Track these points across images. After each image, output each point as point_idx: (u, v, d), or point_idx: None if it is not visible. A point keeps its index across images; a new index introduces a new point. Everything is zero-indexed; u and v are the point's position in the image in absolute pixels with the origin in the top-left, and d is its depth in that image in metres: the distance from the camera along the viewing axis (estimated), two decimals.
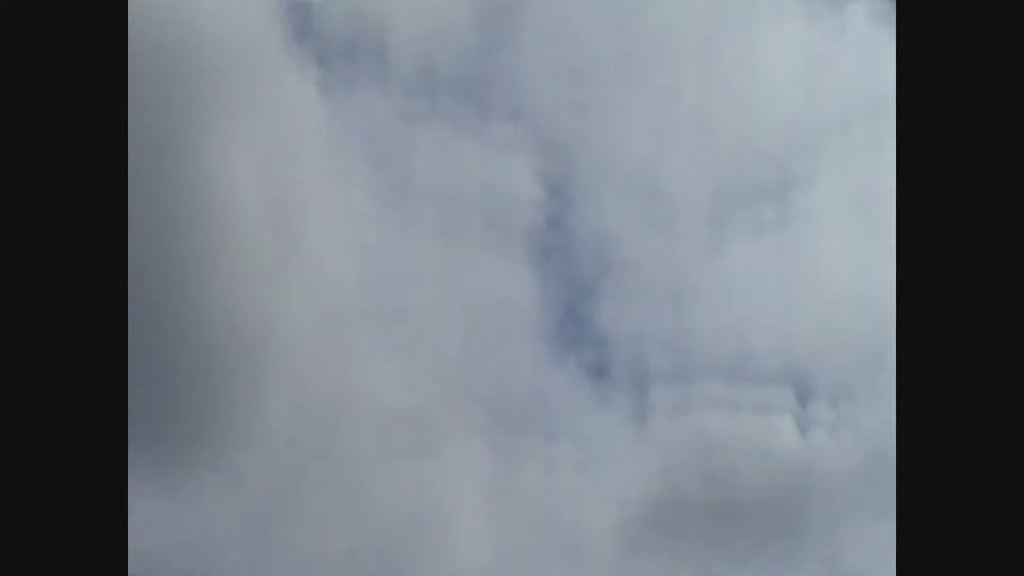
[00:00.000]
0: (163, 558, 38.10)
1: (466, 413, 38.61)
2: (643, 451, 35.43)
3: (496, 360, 37.45)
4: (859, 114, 36.18)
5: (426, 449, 37.88)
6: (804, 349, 35.88)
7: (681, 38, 38.47)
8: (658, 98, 38.14)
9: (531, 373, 37.34)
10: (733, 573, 33.68)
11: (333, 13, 36.15)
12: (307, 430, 38.44)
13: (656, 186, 37.55)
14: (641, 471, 35.04)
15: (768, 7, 37.89)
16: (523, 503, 35.53)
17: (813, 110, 37.73)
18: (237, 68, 33.74)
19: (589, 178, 37.50)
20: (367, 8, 36.69)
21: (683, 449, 34.72)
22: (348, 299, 36.10)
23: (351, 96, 36.44)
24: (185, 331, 33.77)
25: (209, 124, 33.35)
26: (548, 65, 37.57)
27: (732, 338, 36.23)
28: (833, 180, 36.56)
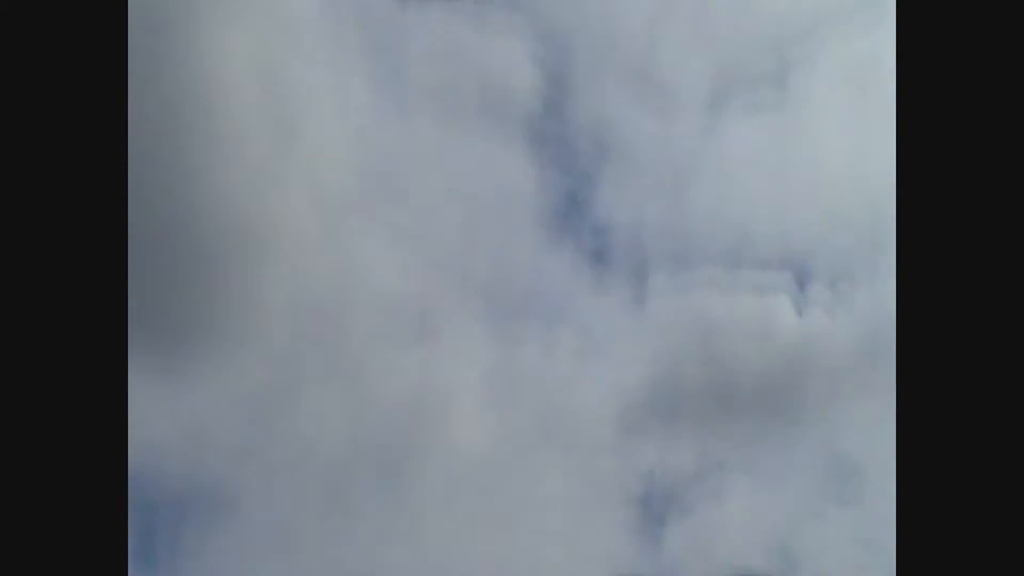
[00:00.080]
0: (163, 447, 38.37)
1: (464, 300, 38.61)
2: (642, 335, 35.54)
3: (494, 247, 37.43)
4: None
5: (425, 336, 37.94)
6: (803, 233, 35.87)
7: None
8: None
9: (529, 259, 37.37)
10: (732, 454, 33.94)
11: None
12: (305, 319, 38.49)
13: (654, 71, 37.28)
14: (640, 355, 35.18)
15: None
16: (522, 388, 35.66)
17: None
18: None
19: (587, 64, 37.21)
20: None
21: (681, 333, 34.84)
22: (345, 187, 36.02)
23: None
24: (182, 221, 33.75)
25: (204, 15, 33.08)
26: None
27: (731, 223, 36.22)
28: (832, 63, 36.32)
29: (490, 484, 36.21)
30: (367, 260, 36.10)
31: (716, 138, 37.00)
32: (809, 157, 36.74)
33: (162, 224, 33.51)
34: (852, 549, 31.92)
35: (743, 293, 35.09)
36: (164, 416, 39.44)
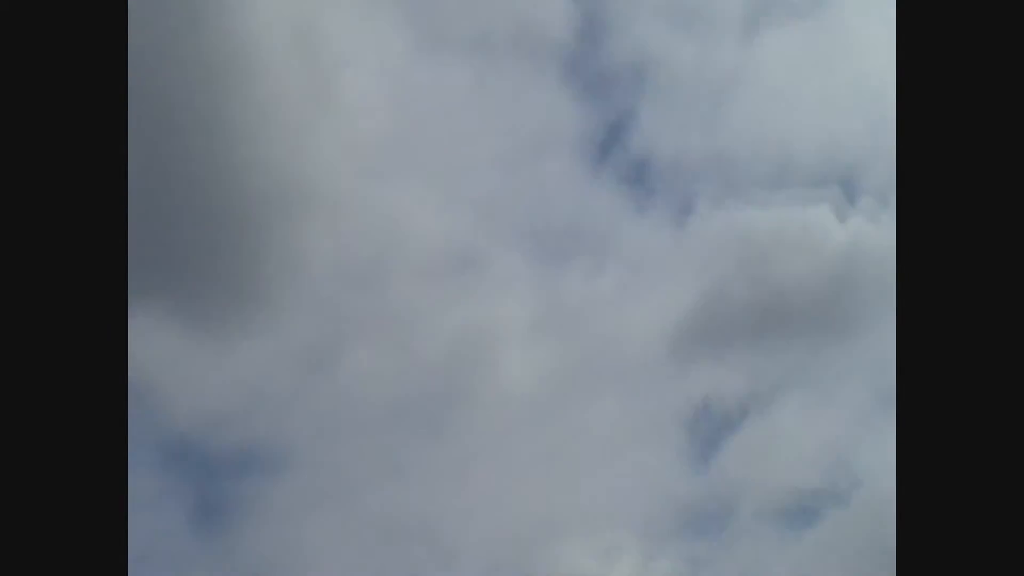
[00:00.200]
0: (216, 407, 38.77)
1: (507, 239, 38.63)
2: (687, 260, 35.38)
3: (535, 183, 37.38)
4: None
5: (469, 278, 38.03)
6: (849, 144, 35.50)
7: None
8: None
9: (571, 193, 37.25)
10: (785, 373, 33.81)
11: None
12: (349, 271, 38.64)
13: None
14: (686, 280, 35.03)
15: None
16: (569, 322, 35.68)
17: None
18: None
19: None
20: None
21: (727, 255, 34.61)
22: (383, 136, 36.03)
23: None
24: (224, 185, 33.97)
25: None
26: None
27: (774, 141, 35.93)
28: None
29: (540, 420, 36.29)
30: (408, 207, 36.16)
31: (755, 55, 36.65)
32: (850, 66, 36.40)
33: (204, 189, 33.72)
34: None
35: (788, 210, 34.72)
36: (216, 377, 39.74)
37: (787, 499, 32.08)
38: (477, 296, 37.43)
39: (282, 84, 33.76)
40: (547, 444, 35.36)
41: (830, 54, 37.21)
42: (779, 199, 34.84)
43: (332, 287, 36.87)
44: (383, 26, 35.81)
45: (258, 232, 34.22)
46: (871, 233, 33.72)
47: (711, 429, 33.54)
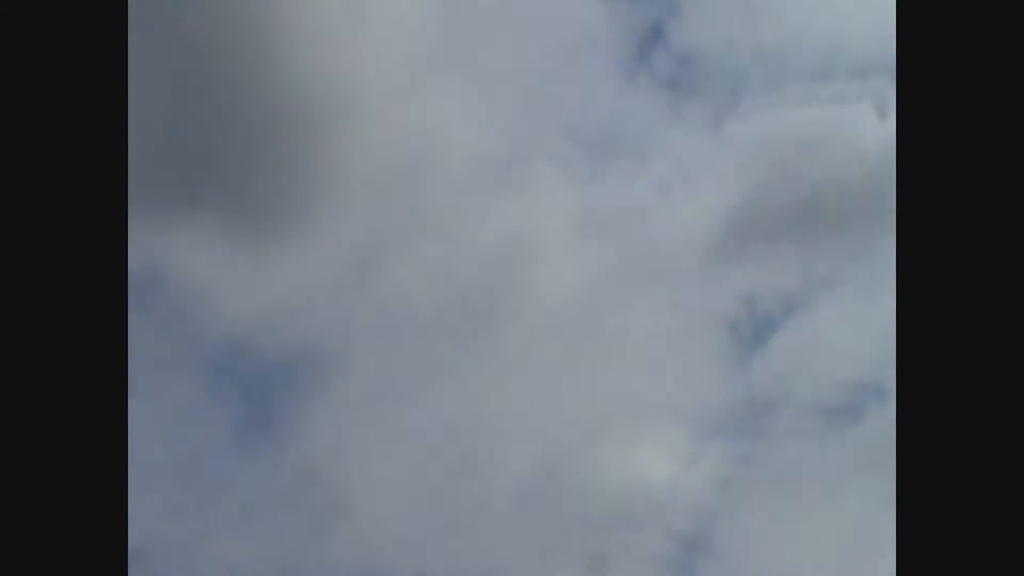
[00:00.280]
0: (264, 318, 39.26)
1: (547, 144, 38.51)
2: (728, 161, 35.18)
3: (575, 88, 37.12)
4: None
5: (509, 185, 37.97)
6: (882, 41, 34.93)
7: None
8: None
9: (610, 97, 37.03)
10: (828, 270, 33.64)
11: None
12: (391, 180, 38.69)
13: None
14: (727, 181, 34.86)
15: None
16: (612, 226, 35.60)
17: None
18: None
19: None
20: None
21: (767, 154, 34.41)
22: (419, 46, 35.92)
23: None
24: (264, 100, 34.20)
25: None
26: None
27: (820, 33, 35.40)
28: None
29: (582, 324, 36.41)
30: (447, 116, 36.07)
31: None
32: None
33: (245, 101, 33.85)
34: None
35: (829, 108, 34.28)
36: (263, 289, 40.21)
37: (831, 398, 32.14)
38: (516, 202, 37.44)
39: None
40: (590, 348, 35.51)
41: None
42: (823, 95, 34.38)
43: (372, 196, 37.02)
44: None
45: (299, 143, 34.36)
46: None
47: (754, 330, 33.57)
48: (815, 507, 31.20)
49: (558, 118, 36.71)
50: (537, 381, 35.25)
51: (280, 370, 39.25)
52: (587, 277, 35.53)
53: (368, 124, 35.19)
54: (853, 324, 33.32)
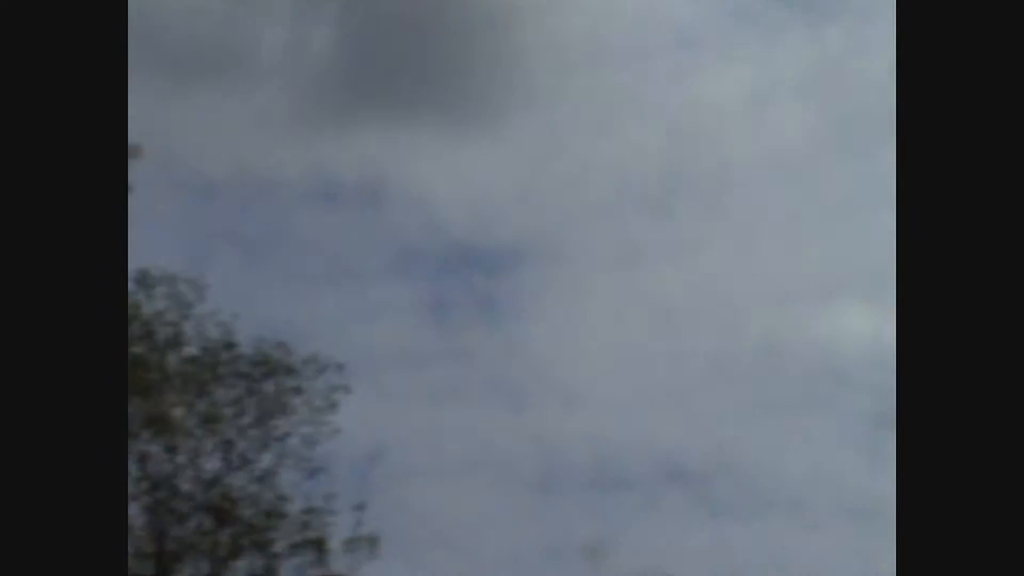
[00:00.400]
0: (477, 215, 40.22)
1: (723, 8, 38.88)
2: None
3: None
4: None
5: (690, 53, 38.05)
6: None
7: None
8: None
9: None
10: None
11: None
12: (571, 58, 39.17)
13: None
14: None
15: None
16: (803, 87, 35.26)
17: None
18: None
19: None
20: None
21: None
22: None
23: None
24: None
25: None
26: None
27: None
28: None
29: (778, 188, 36.50)
30: None
31: None
32: None
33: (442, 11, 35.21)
34: None
35: None
36: (476, 184, 41.19)
37: None
38: (697, 71, 37.60)
39: None
40: (790, 210, 35.55)
41: None
42: None
43: (555, 79, 37.75)
44: None
45: (485, 40, 35.45)
46: None
47: None
48: None
49: None
50: (738, 246, 35.40)
51: (502, 257, 40.07)
52: (785, 137, 35.49)
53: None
54: None
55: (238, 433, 25.96)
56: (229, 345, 26.17)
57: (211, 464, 26.05)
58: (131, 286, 25.06)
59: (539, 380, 38.70)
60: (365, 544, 25.53)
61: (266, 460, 26.16)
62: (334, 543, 25.70)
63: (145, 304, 25.88)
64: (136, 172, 28.36)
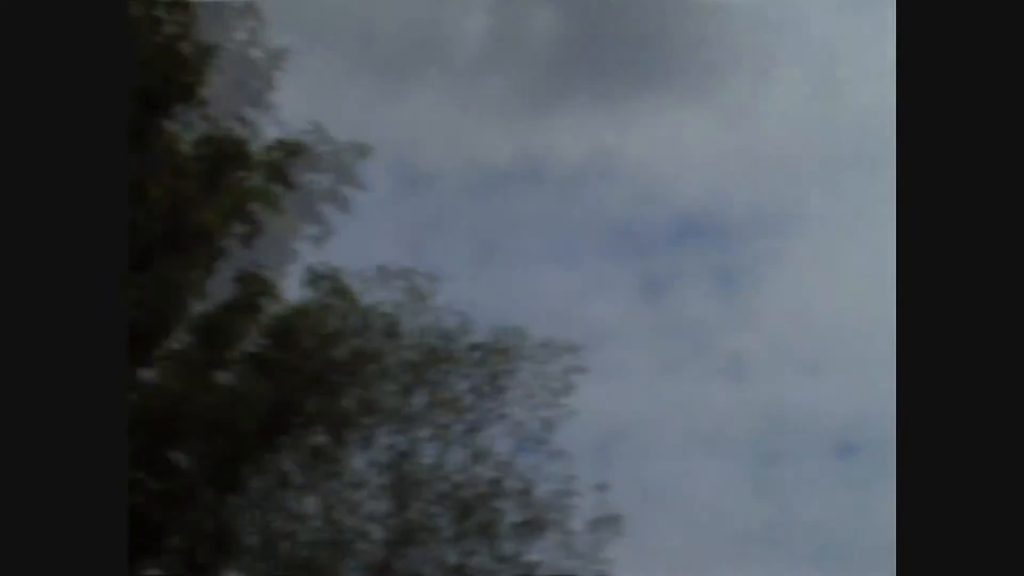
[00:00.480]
0: (670, 189, 40.94)
1: None
2: None
3: None
4: None
5: None
6: None
7: None
8: None
9: None
10: None
11: None
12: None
13: None
14: None
15: None
16: None
17: None
18: None
19: None
20: None
21: None
22: None
23: None
24: None
25: None
26: None
27: None
28: None
29: None
30: None
31: None
32: None
33: None
34: None
35: None
36: (695, 150, 41.64)
37: None
38: None
39: None
40: None
41: None
42: None
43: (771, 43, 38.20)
44: None
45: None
46: None
47: None
48: None
49: None
50: None
51: (734, 227, 40.41)
52: None
53: None
54: None
55: (477, 422, 26.10)
56: (463, 333, 26.31)
57: (452, 455, 26.20)
58: (369, 282, 25.07)
59: (775, 351, 38.87)
60: (608, 524, 25.58)
61: (505, 447, 26.25)
62: (577, 524, 25.79)
63: (384, 298, 25.89)
64: (364, 169, 28.92)
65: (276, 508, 20.83)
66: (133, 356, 14.62)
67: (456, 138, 44.29)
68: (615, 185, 47.07)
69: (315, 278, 21.22)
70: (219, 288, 16.43)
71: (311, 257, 25.99)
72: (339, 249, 29.09)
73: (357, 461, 24.00)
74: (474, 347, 26.23)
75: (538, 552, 25.51)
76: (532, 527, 25.50)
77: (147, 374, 15.41)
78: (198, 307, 15.79)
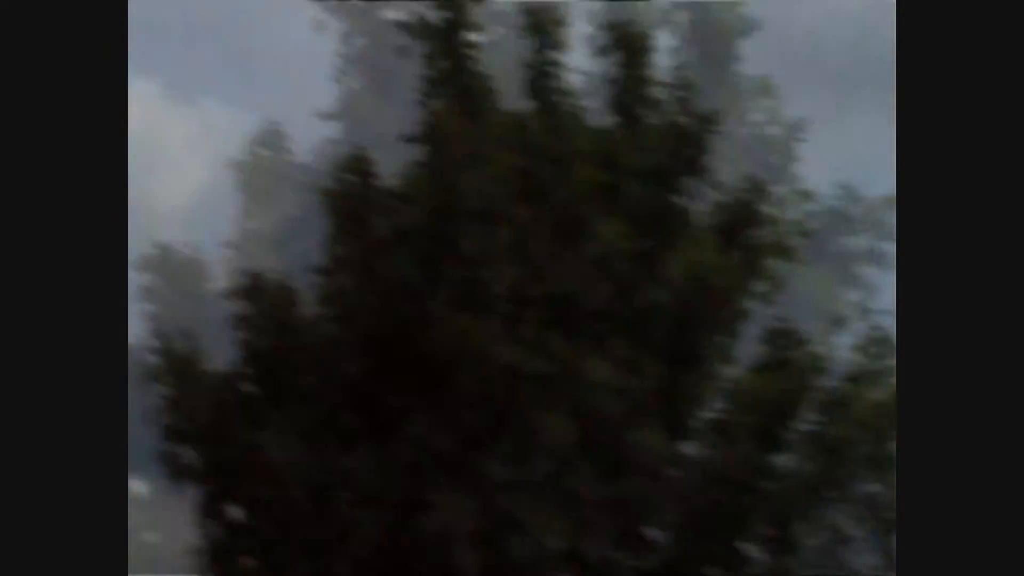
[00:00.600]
0: None
1: None
2: None
3: None
4: None
5: None
6: None
7: None
8: None
9: None
10: None
11: None
12: None
13: None
14: None
15: None
16: None
17: None
18: None
19: None
20: None
21: None
22: None
23: None
24: None
25: None
26: None
27: None
28: None
29: None
30: None
31: None
32: None
33: None
34: None
35: None
36: None
37: None
38: None
39: None
40: None
41: None
42: None
43: None
44: None
45: None
46: None
47: None
48: None
49: None
50: None
51: None
52: None
53: None
54: None
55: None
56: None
57: None
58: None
59: None
60: None
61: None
62: None
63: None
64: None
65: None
66: (671, 428, 14.83)
67: None
68: None
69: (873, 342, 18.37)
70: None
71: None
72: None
73: None
74: None
75: None
76: None
77: (686, 446, 15.05)
78: (727, 372, 15.42)
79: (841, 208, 33.50)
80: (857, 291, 33.94)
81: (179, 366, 14.90)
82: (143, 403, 14.54)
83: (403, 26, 16.05)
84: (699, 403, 15.16)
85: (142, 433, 14.57)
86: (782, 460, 15.14)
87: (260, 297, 15.00)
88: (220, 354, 14.92)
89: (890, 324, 15.14)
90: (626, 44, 15.71)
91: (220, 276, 44.97)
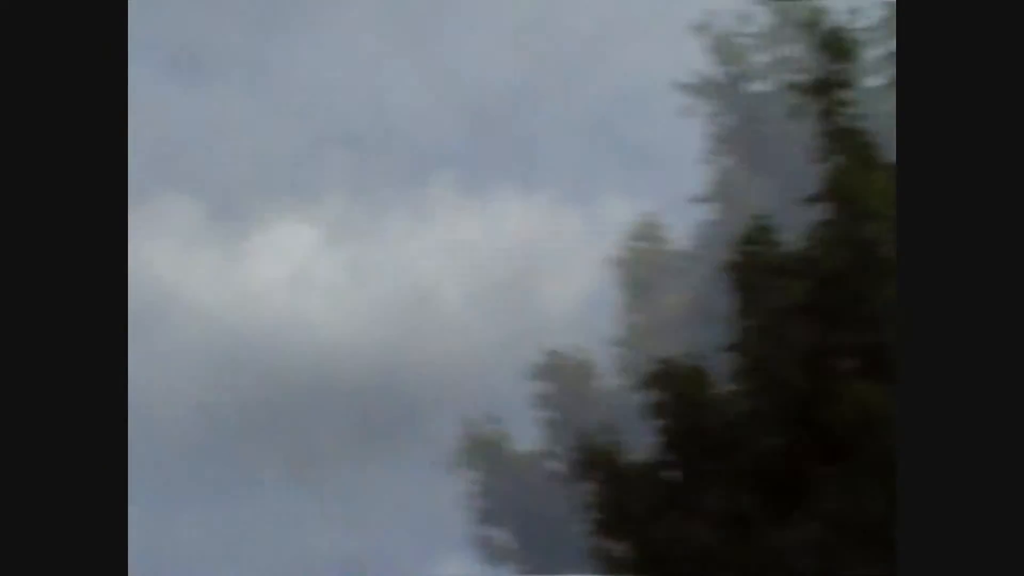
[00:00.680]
0: None
1: None
2: None
3: None
4: None
5: None
6: None
7: None
8: None
9: None
10: None
11: None
12: None
13: None
14: None
15: None
16: None
17: None
18: None
19: None
20: None
21: None
22: None
23: None
24: None
25: None
26: None
27: None
28: None
29: None
30: None
31: None
32: None
33: None
34: None
35: None
36: None
37: None
38: None
39: None
40: None
41: None
42: None
43: None
44: None
45: None
46: None
47: None
48: None
49: None
50: None
51: None
52: None
53: None
54: None
55: None
56: None
57: None
58: None
59: None
60: None
61: None
62: None
63: None
64: None
65: None
66: None
67: None
68: None
69: None
70: None
71: None
72: None
73: None
74: None
75: None
76: None
77: None
78: None
79: None
80: None
81: (603, 460, 15.01)
82: (562, 504, 14.64)
83: (795, 87, 15.90)
84: None
85: (572, 531, 14.65)
86: None
87: (673, 382, 14.97)
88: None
89: None
90: None
91: (609, 374, 45.96)
